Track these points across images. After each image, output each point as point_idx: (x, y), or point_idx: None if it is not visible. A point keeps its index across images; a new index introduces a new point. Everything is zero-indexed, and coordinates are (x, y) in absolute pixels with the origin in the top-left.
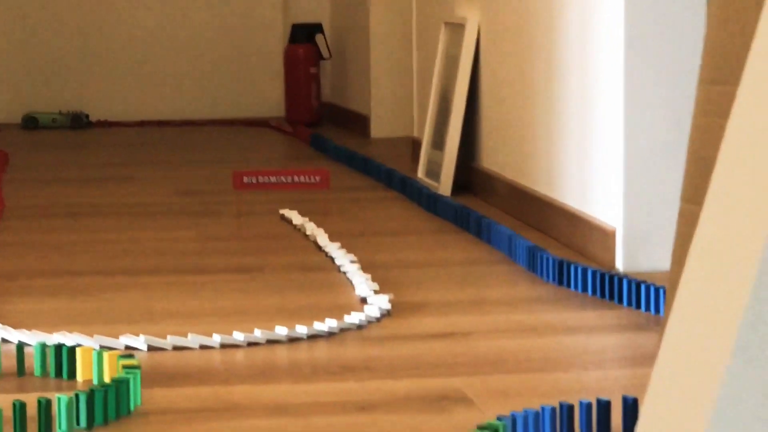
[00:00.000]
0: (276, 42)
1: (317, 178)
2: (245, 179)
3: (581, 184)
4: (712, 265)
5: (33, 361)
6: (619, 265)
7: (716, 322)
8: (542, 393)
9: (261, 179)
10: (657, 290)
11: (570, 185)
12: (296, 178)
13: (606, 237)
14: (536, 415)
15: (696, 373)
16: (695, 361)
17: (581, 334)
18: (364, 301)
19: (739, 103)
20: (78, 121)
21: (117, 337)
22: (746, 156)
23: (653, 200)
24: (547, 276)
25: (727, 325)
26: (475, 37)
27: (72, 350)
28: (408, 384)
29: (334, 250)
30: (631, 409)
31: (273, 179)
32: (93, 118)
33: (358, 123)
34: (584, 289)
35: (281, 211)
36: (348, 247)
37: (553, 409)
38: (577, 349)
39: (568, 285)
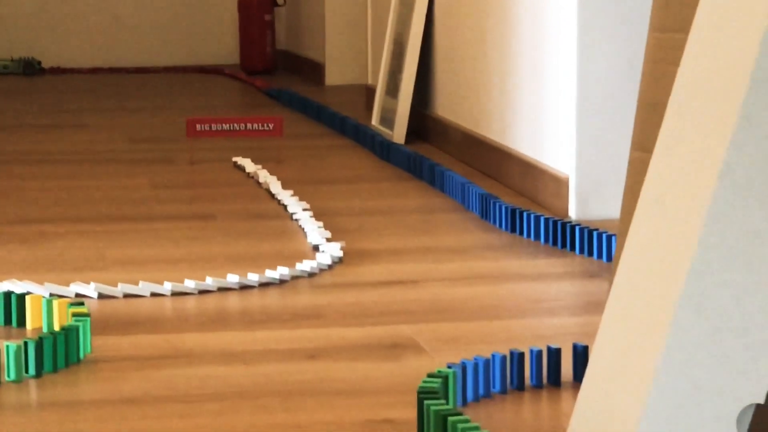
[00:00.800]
0: None
1: (271, 125)
2: (198, 127)
3: (534, 132)
4: (661, 212)
5: None
6: (572, 213)
7: (665, 269)
8: (493, 341)
9: (214, 127)
10: (609, 238)
11: (523, 133)
12: (249, 126)
13: (559, 185)
14: (486, 362)
15: (644, 320)
16: (643, 308)
17: (533, 282)
18: (316, 249)
19: (689, 51)
20: (30, 68)
21: (67, 285)
22: (696, 103)
23: (606, 148)
24: (500, 224)
25: (675, 272)
26: None
27: (21, 298)
28: (359, 332)
29: (286, 197)
30: (581, 356)
31: (226, 127)
32: (45, 64)
33: (313, 70)
34: (536, 236)
35: (234, 159)
36: (301, 195)
37: (504, 357)
38: (529, 297)
39: (521, 233)
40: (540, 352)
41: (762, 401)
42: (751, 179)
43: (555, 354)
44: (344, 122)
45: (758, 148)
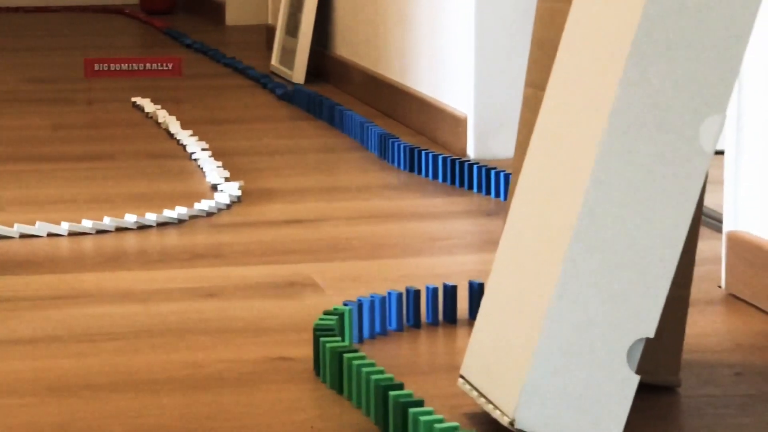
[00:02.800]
0: None
1: (169, 65)
2: (97, 67)
3: (433, 72)
4: (554, 149)
5: None
6: (471, 152)
7: (557, 206)
8: (391, 279)
9: (113, 67)
10: (507, 176)
11: (422, 73)
12: (148, 66)
13: (457, 124)
14: (382, 300)
15: (537, 256)
16: (536, 244)
17: (431, 221)
18: (214, 188)
19: None
20: None
21: None
22: (587, 41)
23: (504, 88)
24: (399, 163)
25: (568, 208)
26: None
27: None
28: (257, 270)
29: (185, 137)
30: (477, 293)
31: (125, 67)
32: None
33: (214, 10)
34: (435, 176)
35: (133, 99)
36: (200, 135)
37: (400, 295)
38: (427, 236)
39: (419, 172)
40: (436, 290)
41: (652, 335)
42: (641, 117)
43: (451, 291)
44: (244, 62)
45: (648, 86)
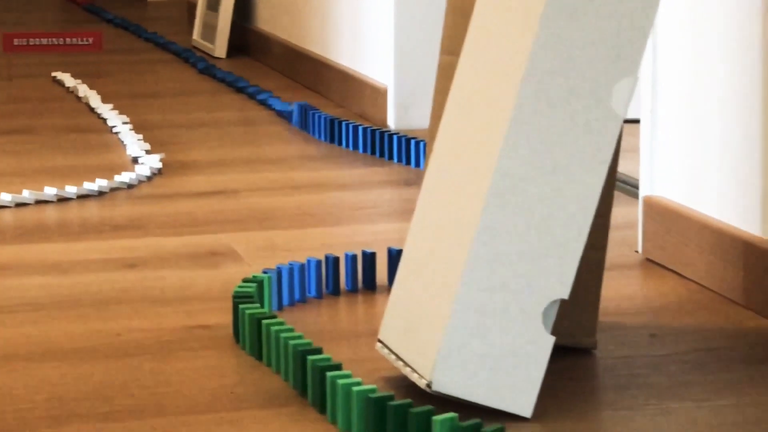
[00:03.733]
0: None
1: (89, 40)
2: (16, 41)
3: (354, 44)
4: (468, 114)
5: None
6: (391, 122)
7: (472, 170)
8: (311, 248)
9: (32, 41)
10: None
11: (343, 45)
12: (68, 41)
13: (378, 95)
14: (301, 267)
15: (451, 220)
16: (451, 208)
17: (351, 190)
18: (135, 161)
19: None
20: None
21: None
22: (500, 8)
23: (423, 59)
24: (319, 134)
25: (482, 172)
26: None
27: None
28: (178, 241)
29: (106, 111)
30: (395, 260)
31: (45, 41)
32: None
33: None
34: (355, 146)
35: (53, 74)
36: (121, 109)
37: (319, 262)
38: (347, 205)
39: (340, 143)
40: (355, 257)
41: (566, 297)
42: (553, 80)
43: (370, 258)
44: (165, 37)
45: (560, 49)
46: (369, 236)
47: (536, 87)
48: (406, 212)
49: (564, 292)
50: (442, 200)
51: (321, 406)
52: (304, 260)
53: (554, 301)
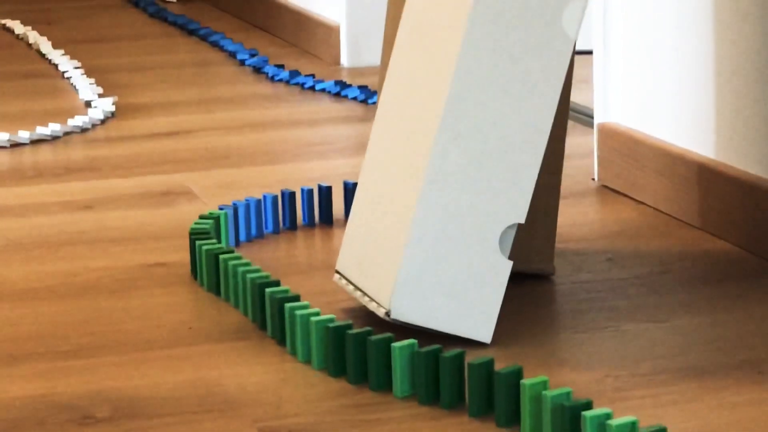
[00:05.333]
0: None
1: None
2: None
3: None
4: (419, 41)
5: None
6: (344, 60)
7: (424, 97)
8: (267, 184)
9: None
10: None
11: None
12: None
13: (330, 33)
14: (258, 203)
15: (405, 149)
16: (404, 137)
17: (305, 128)
18: (88, 105)
19: None
20: None
21: None
22: None
23: None
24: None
25: (434, 99)
26: None
27: None
28: (133, 182)
29: (57, 57)
30: (351, 193)
31: None
32: None
33: None
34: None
35: (2, 21)
36: (72, 54)
37: (275, 197)
38: (302, 142)
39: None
40: (311, 191)
41: (522, 221)
42: (505, 4)
43: (326, 192)
44: None
45: None
46: (324, 171)
47: (488, 11)
48: (360, 147)
49: (520, 216)
50: (395, 129)
51: (280, 338)
52: (259, 196)
53: (510, 226)
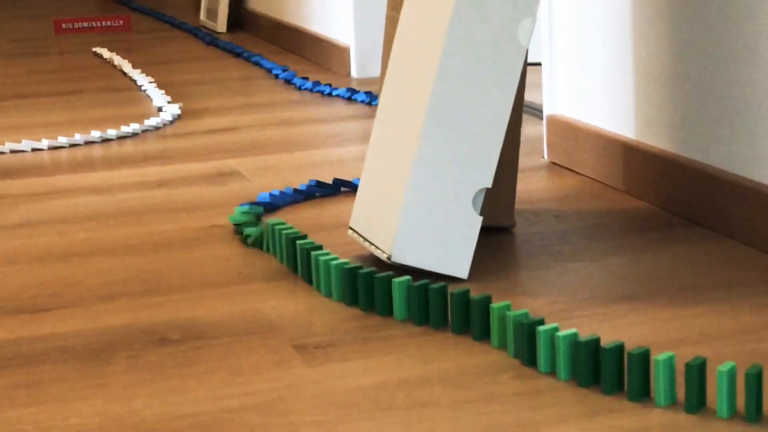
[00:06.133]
0: None
1: (121, 22)
2: (64, 26)
3: (322, 13)
4: (411, 44)
5: None
6: (354, 73)
7: (414, 93)
8: (296, 166)
9: (77, 25)
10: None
11: (313, 15)
12: (104, 23)
13: (342, 53)
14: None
15: (401, 132)
16: (400, 122)
17: (326, 124)
18: (160, 110)
19: None
20: None
21: None
22: None
23: (378, 21)
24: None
25: (422, 93)
26: None
27: None
28: (195, 166)
29: (136, 74)
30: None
31: (86, 24)
32: None
33: None
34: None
35: (94, 49)
36: (147, 73)
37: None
38: (323, 135)
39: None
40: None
41: (490, 186)
42: (473, 24)
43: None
44: (179, 19)
45: (477, 2)
46: (339, 155)
47: (461, 30)
48: (366, 137)
49: (488, 182)
50: (393, 116)
51: (308, 278)
52: (289, 176)
53: (481, 189)
